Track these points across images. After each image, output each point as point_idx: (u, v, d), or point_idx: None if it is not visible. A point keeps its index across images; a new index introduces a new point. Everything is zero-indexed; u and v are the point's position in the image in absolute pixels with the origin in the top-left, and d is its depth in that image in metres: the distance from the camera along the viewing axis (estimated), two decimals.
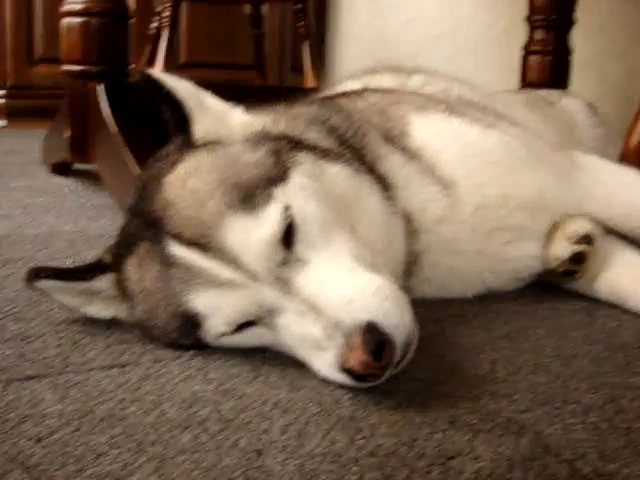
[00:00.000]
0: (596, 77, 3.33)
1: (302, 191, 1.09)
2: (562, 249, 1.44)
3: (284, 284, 1.02)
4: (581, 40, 2.96)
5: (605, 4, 3.24)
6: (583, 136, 2.31)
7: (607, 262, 1.48)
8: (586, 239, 1.44)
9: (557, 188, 1.48)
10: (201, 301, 1.04)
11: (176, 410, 0.95)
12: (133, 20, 2.32)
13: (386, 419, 0.96)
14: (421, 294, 1.38)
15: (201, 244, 1.03)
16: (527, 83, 2.87)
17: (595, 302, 1.49)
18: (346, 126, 1.36)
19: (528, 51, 2.89)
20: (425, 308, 1.29)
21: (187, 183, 1.08)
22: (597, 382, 1.10)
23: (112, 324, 1.21)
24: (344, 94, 1.61)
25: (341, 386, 1.02)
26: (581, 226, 1.45)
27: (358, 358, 0.94)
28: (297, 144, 1.20)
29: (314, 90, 1.97)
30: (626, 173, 1.59)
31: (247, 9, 4.11)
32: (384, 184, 1.30)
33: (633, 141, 1.89)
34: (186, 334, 1.09)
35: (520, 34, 2.92)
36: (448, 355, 1.18)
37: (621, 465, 0.87)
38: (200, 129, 1.18)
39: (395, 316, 0.98)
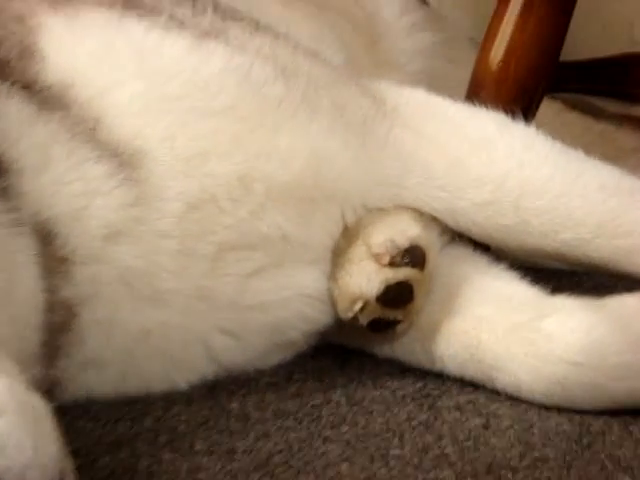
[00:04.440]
0: None
1: None
2: (366, 277, 1.32)
3: None
4: None
5: None
6: (397, 46, 2.20)
7: (457, 298, 1.37)
8: (411, 254, 1.31)
9: (349, 158, 1.35)
10: None
11: None
12: None
13: None
14: (86, 392, 1.26)
15: None
16: None
17: (435, 380, 1.35)
18: None
19: None
20: (94, 422, 1.27)
21: None
22: None
23: None
24: None
25: None
26: (400, 230, 1.34)
27: None
28: None
29: None
30: (482, 122, 1.47)
31: None
32: None
33: (495, 57, 1.73)
34: None
35: None
36: None
37: None
38: None
39: (23, 448, 0.82)
